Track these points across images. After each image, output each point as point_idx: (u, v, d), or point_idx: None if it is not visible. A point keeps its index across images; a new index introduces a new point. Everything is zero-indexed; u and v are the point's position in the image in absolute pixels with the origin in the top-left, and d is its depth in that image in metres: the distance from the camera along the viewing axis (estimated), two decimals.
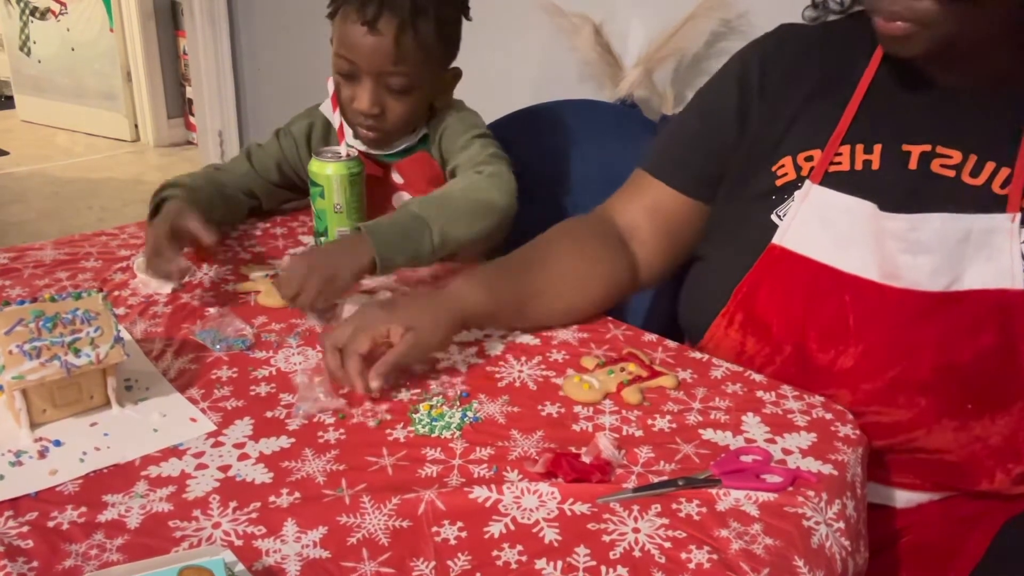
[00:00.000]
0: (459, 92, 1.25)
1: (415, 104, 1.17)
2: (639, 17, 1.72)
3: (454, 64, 1.21)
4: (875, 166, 0.88)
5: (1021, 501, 0.90)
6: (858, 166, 0.89)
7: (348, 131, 1.19)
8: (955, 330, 0.84)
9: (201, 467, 0.71)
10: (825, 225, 0.88)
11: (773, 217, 0.91)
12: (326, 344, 0.83)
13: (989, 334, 0.83)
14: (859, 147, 0.89)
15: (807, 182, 0.90)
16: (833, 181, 0.89)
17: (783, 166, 0.93)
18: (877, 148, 0.89)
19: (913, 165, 0.87)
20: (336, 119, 1.17)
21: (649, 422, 0.80)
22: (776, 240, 0.90)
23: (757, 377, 0.89)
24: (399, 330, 0.83)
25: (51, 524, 0.64)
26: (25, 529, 0.63)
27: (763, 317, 0.92)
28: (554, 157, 1.44)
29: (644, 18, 1.71)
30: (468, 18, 1.19)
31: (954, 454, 0.88)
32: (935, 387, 0.85)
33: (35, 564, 0.60)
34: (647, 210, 1.03)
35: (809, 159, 0.91)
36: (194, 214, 1.03)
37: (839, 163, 0.90)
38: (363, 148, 1.21)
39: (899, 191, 0.86)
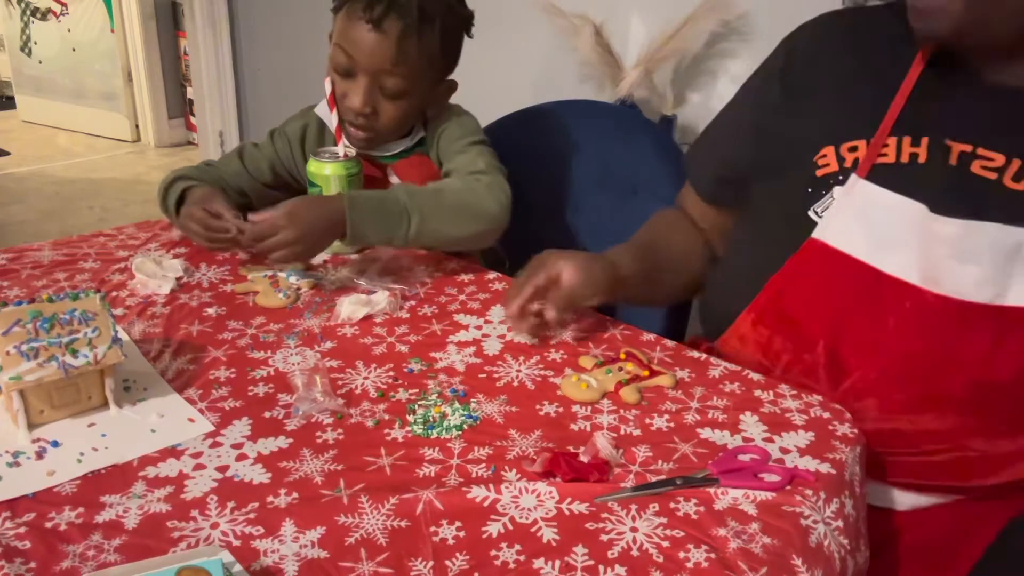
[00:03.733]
0: (461, 92, 1.25)
1: (407, 110, 1.17)
2: (639, 18, 1.72)
3: (452, 76, 1.22)
4: (921, 159, 0.85)
5: (1022, 501, 0.90)
6: (904, 159, 0.85)
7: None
8: (996, 346, 0.81)
9: (199, 467, 0.71)
10: (868, 222, 0.85)
11: (810, 213, 0.88)
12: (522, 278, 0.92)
13: None
14: (906, 139, 0.86)
15: (853, 176, 0.86)
16: (879, 175, 0.85)
17: (825, 156, 0.89)
18: (924, 141, 0.85)
19: (953, 161, 0.84)
20: (333, 120, 1.17)
21: (647, 421, 0.80)
22: (816, 235, 0.87)
23: (755, 376, 0.89)
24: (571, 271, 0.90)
25: (49, 525, 0.64)
26: (23, 530, 0.63)
27: (794, 314, 0.89)
28: (554, 157, 1.43)
29: (644, 19, 1.71)
30: (470, 35, 1.20)
31: (975, 466, 0.87)
32: (969, 403, 0.83)
33: (33, 565, 0.60)
34: (693, 208, 1.11)
35: (853, 149, 0.88)
36: (222, 198, 1.12)
37: (886, 155, 0.86)
38: (358, 148, 1.21)
39: (943, 189, 0.83)
